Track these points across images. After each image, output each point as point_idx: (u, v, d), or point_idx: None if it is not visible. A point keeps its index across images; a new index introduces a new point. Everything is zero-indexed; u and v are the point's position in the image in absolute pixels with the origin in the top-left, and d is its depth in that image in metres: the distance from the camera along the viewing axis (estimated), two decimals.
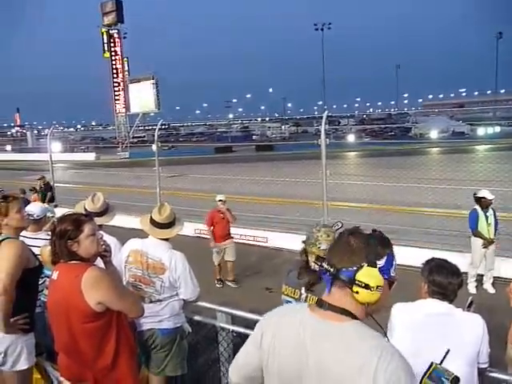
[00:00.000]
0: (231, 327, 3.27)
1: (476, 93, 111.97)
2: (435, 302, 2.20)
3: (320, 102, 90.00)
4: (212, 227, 7.46)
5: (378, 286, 1.28)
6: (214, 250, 7.44)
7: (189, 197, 13.96)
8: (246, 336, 3.19)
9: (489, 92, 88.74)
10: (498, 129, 37.22)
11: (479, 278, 6.86)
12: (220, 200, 7.49)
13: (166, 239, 3.15)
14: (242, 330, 3.25)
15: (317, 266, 1.37)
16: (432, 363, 1.58)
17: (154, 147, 10.35)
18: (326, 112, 7.81)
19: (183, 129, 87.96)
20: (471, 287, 6.71)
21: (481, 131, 37.53)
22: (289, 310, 1.52)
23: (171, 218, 3.16)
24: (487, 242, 6.62)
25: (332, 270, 1.31)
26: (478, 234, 6.66)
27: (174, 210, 3.29)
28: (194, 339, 3.52)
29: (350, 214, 9.41)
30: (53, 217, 3.80)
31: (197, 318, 3.36)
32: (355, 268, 1.28)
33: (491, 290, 6.69)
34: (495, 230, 6.70)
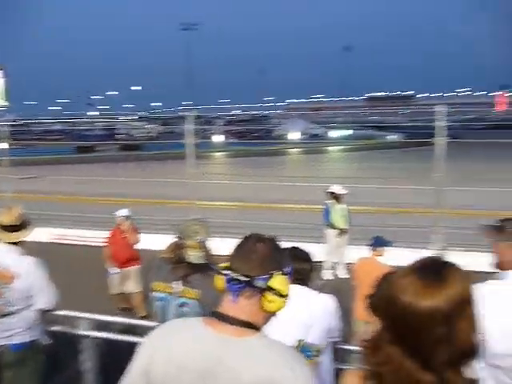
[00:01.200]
0: (94, 333, 3.12)
1: (332, 99, 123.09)
2: (296, 286, 2.39)
3: (185, 103, 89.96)
4: (109, 247, 6.27)
5: (287, 294, 1.26)
6: (109, 275, 6.23)
7: (46, 200, 12.78)
8: (110, 341, 3.09)
9: (343, 98, 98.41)
10: (350, 132, 41.40)
11: (334, 265, 7.58)
12: (122, 216, 6.15)
13: (17, 244, 2.88)
14: (104, 335, 3.14)
15: (194, 259, 1.28)
16: (299, 341, 1.70)
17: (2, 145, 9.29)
18: (193, 112, 7.89)
19: (36, 126, 79.94)
20: (327, 273, 7.38)
21: (334, 134, 41.38)
22: (180, 327, 1.33)
23: (19, 221, 2.92)
24: (339, 233, 7.35)
25: (244, 278, 1.23)
26: (331, 226, 7.36)
27: (27, 215, 3.05)
28: (53, 351, 3.26)
29: (217, 213, 9.60)
30: None
31: (56, 327, 3.13)
32: (267, 276, 1.24)
33: (344, 276, 7.45)
34: (347, 221, 7.46)
